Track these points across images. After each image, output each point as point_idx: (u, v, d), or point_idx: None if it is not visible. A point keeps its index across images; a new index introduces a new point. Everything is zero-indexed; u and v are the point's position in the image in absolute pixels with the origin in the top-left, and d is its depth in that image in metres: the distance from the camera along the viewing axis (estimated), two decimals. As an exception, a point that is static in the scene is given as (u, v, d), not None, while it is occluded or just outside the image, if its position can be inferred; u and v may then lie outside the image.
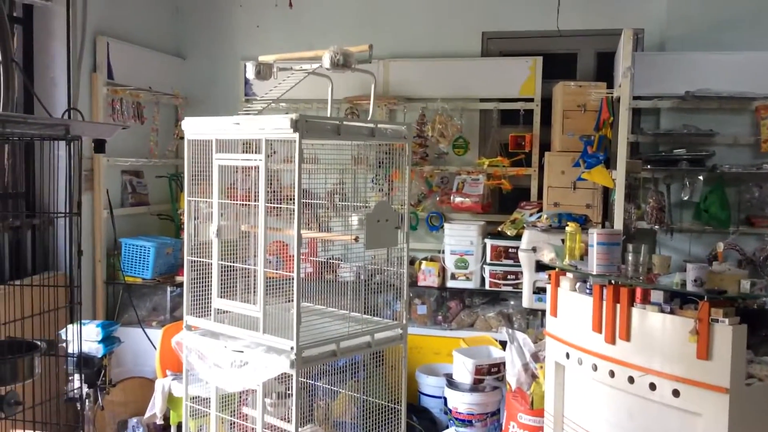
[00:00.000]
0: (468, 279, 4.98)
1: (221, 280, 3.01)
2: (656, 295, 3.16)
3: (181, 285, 4.83)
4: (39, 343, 2.51)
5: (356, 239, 2.89)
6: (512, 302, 4.94)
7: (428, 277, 5.04)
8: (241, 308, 2.93)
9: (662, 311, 3.10)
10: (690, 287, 2.99)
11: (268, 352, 2.75)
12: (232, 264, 2.98)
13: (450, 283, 5.02)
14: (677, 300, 3.12)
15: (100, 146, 2.74)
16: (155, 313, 5.01)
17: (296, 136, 2.66)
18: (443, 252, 5.07)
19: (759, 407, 2.98)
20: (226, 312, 3.12)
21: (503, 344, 4.41)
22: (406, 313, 3.13)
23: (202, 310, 3.11)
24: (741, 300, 3.05)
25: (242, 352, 2.83)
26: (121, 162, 5.05)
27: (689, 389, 3.00)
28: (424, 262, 5.09)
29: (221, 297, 2.99)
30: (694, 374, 2.97)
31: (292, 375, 2.70)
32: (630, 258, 3.31)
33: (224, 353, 2.88)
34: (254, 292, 2.96)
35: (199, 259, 3.06)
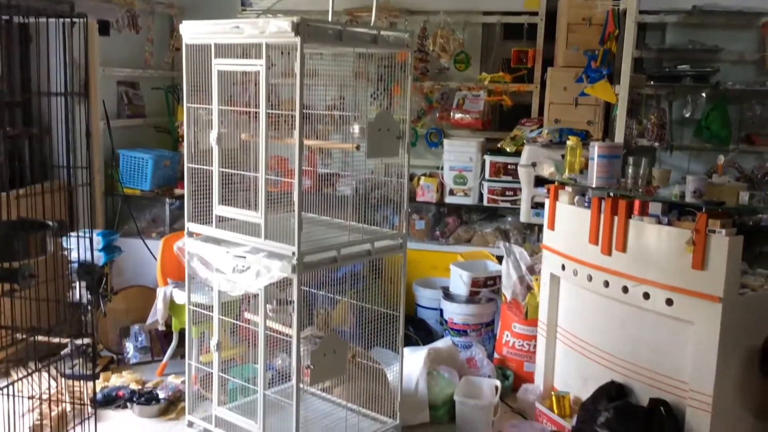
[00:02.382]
0: (466, 195, 4.99)
1: (221, 190, 3.00)
2: (654, 207, 3.19)
3: (179, 197, 4.85)
4: (50, 223, 2.52)
5: (357, 147, 2.88)
6: (509, 218, 4.98)
7: (427, 193, 5.05)
8: (242, 215, 2.95)
9: (660, 223, 3.14)
10: (689, 198, 3.01)
11: (269, 258, 2.78)
12: (232, 171, 2.97)
13: (448, 199, 5.04)
14: (675, 212, 3.15)
15: (104, 28, 2.66)
16: (154, 225, 5.04)
17: (297, 40, 2.60)
18: (442, 168, 5.06)
19: (750, 316, 3.05)
20: (227, 220, 3.14)
21: (500, 259, 4.47)
22: (405, 221, 3.14)
23: (202, 219, 3.12)
24: (738, 216, 3.08)
25: (244, 257, 2.86)
26: (116, 72, 4.97)
27: (683, 298, 3.06)
28: (422, 177, 5.09)
29: (222, 204, 2.99)
30: (689, 284, 3.03)
31: (293, 280, 2.74)
32: (630, 171, 3.32)
33: (226, 258, 2.91)
34: (255, 200, 2.97)
35: (199, 166, 3.05)
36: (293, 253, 2.72)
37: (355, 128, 3.07)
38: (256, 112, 2.81)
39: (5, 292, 2.30)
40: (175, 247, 3.14)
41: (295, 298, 2.76)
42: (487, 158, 4.89)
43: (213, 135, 2.95)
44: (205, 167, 3.03)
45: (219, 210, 3.01)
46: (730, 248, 2.91)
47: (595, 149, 3.36)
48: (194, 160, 3.09)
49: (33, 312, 2.68)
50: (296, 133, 2.63)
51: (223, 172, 2.98)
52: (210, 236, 3.07)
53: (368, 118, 2.96)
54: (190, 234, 3.12)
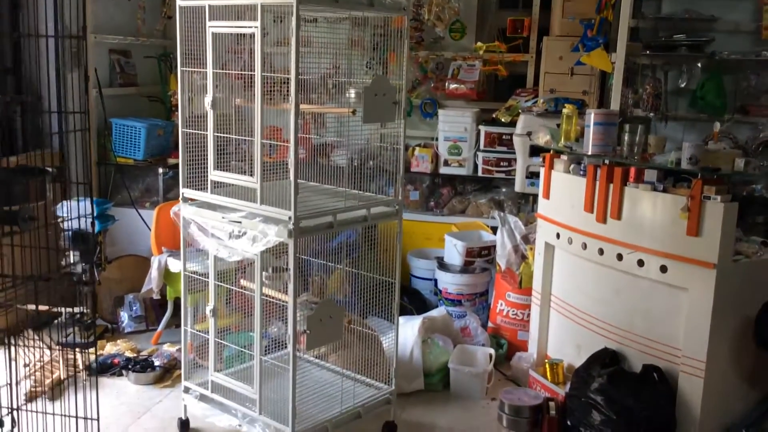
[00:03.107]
0: (461, 165, 4.99)
1: (217, 156, 2.98)
2: (650, 174, 3.19)
3: (173, 167, 4.82)
4: (49, 169, 2.49)
5: (354, 112, 2.86)
6: (504, 189, 4.98)
7: (421, 163, 5.04)
8: (238, 179, 2.93)
9: (655, 190, 3.14)
10: (684, 165, 3.01)
11: (265, 223, 2.77)
12: (227, 135, 2.95)
13: (443, 170, 5.03)
14: (670, 179, 3.15)
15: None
16: (148, 195, 5.01)
17: (293, 1, 2.57)
18: (436, 139, 5.05)
19: (744, 282, 3.07)
20: (222, 186, 3.12)
21: (494, 230, 4.48)
22: (401, 187, 3.13)
23: (198, 185, 3.10)
24: (733, 185, 3.08)
25: (240, 222, 2.85)
26: (108, 39, 4.90)
27: (677, 265, 3.08)
28: (417, 148, 5.08)
29: (217, 170, 2.98)
30: (683, 251, 3.04)
31: (289, 245, 2.73)
32: (626, 138, 3.32)
33: (222, 224, 2.90)
34: (251, 167, 2.94)
35: (193, 131, 3.02)
36: (289, 218, 2.71)
37: (351, 93, 3.04)
38: (251, 76, 2.78)
39: (5, 233, 2.28)
40: (171, 212, 3.12)
41: (291, 263, 2.75)
42: (482, 128, 4.88)
43: (207, 99, 2.92)
44: (199, 132, 3.00)
45: (214, 175, 2.99)
46: (725, 214, 2.92)
47: (592, 116, 3.35)
48: (189, 125, 3.06)
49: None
50: (292, 92, 2.61)
51: (218, 137, 2.95)
52: (206, 202, 3.05)
53: (364, 83, 2.93)
54: (186, 200, 3.10)
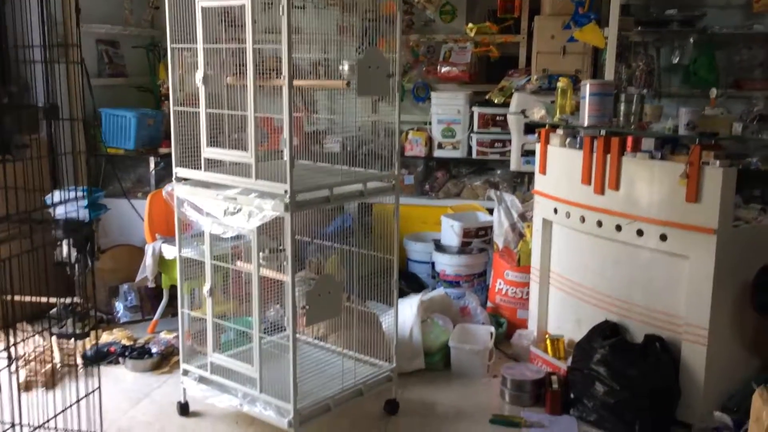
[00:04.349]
0: (455, 148, 4.96)
1: (209, 132, 2.94)
2: (647, 143, 3.17)
3: (165, 156, 4.76)
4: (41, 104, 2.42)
5: (348, 84, 2.82)
6: (499, 171, 4.96)
7: (415, 147, 5.01)
8: (232, 155, 2.89)
9: (653, 158, 3.12)
10: (682, 131, 2.99)
11: (261, 197, 2.73)
12: (219, 111, 2.91)
13: (437, 153, 5.01)
14: (668, 147, 3.14)
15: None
16: (140, 185, 4.96)
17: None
18: (429, 123, 5.02)
19: (745, 248, 3.06)
20: (216, 166, 3.08)
21: (490, 211, 4.46)
22: (398, 162, 3.10)
23: (191, 165, 3.05)
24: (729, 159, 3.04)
25: (235, 199, 2.81)
26: (95, 29, 4.85)
27: (677, 233, 3.06)
28: (410, 132, 5.05)
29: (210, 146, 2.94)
30: (682, 218, 3.02)
31: (285, 220, 2.69)
32: (622, 108, 3.30)
33: (216, 201, 2.86)
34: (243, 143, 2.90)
35: (185, 109, 2.98)
36: (285, 192, 2.67)
37: (345, 66, 3.01)
38: (241, 52, 2.74)
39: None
40: (164, 192, 3.08)
41: (287, 237, 2.71)
42: (476, 110, 4.85)
43: (198, 75, 2.88)
44: (191, 109, 2.96)
45: (208, 152, 2.94)
46: (724, 179, 2.90)
47: (587, 87, 3.34)
48: (180, 104, 3.02)
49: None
50: (285, 60, 2.57)
51: (210, 113, 2.91)
52: (199, 181, 3.01)
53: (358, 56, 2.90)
54: (179, 180, 3.05)
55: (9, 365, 2.73)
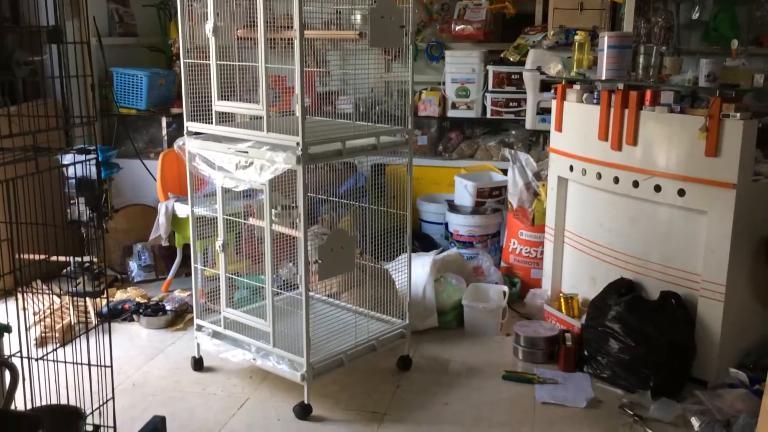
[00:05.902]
0: (469, 108, 4.89)
1: (220, 86, 2.90)
2: (666, 97, 3.11)
3: (177, 116, 4.74)
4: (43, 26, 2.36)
5: (360, 35, 2.77)
6: (513, 131, 4.89)
7: (428, 107, 4.95)
8: (243, 108, 2.86)
9: (672, 112, 3.06)
10: (702, 83, 2.92)
11: (273, 150, 2.70)
12: (229, 63, 2.87)
13: (451, 113, 4.94)
14: (688, 100, 3.07)
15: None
16: (152, 145, 4.94)
17: None
18: (443, 83, 4.95)
19: (764, 204, 3.00)
20: (227, 121, 3.06)
21: (504, 172, 4.40)
22: (411, 115, 3.05)
23: (202, 119, 3.02)
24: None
25: (247, 152, 2.78)
26: (104, -13, 4.80)
27: (695, 187, 3.00)
28: (424, 91, 4.98)
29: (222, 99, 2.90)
30: (701, 172, 2.97)
31: (297, 172, 2.66)
32: (641, 61, 3.22)
33: (228, 155, 2.83)
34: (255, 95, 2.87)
35: (196, 61, 2.94)
36: (297, 144, 2.64)
37: (357, 16, 2.95)
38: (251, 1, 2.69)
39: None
40: (175, 146, 3.05)
41: (300, 191, 2.69)
42: (490, 68, 4.77)
43: (209, 26, 2.83)
44: (202, 61, 2.92)
45: (219, 105, 2.91)
46: (745, 132, 2.84)
47: (605, 40, 3.26)
48: (190, 57, 2.98)
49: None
50: (295, 9, 2.52)
51: (221, 65, 2.87)
52: (211, 135, 2.98)
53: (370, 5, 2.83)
54: (190, 134, 3.03)
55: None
